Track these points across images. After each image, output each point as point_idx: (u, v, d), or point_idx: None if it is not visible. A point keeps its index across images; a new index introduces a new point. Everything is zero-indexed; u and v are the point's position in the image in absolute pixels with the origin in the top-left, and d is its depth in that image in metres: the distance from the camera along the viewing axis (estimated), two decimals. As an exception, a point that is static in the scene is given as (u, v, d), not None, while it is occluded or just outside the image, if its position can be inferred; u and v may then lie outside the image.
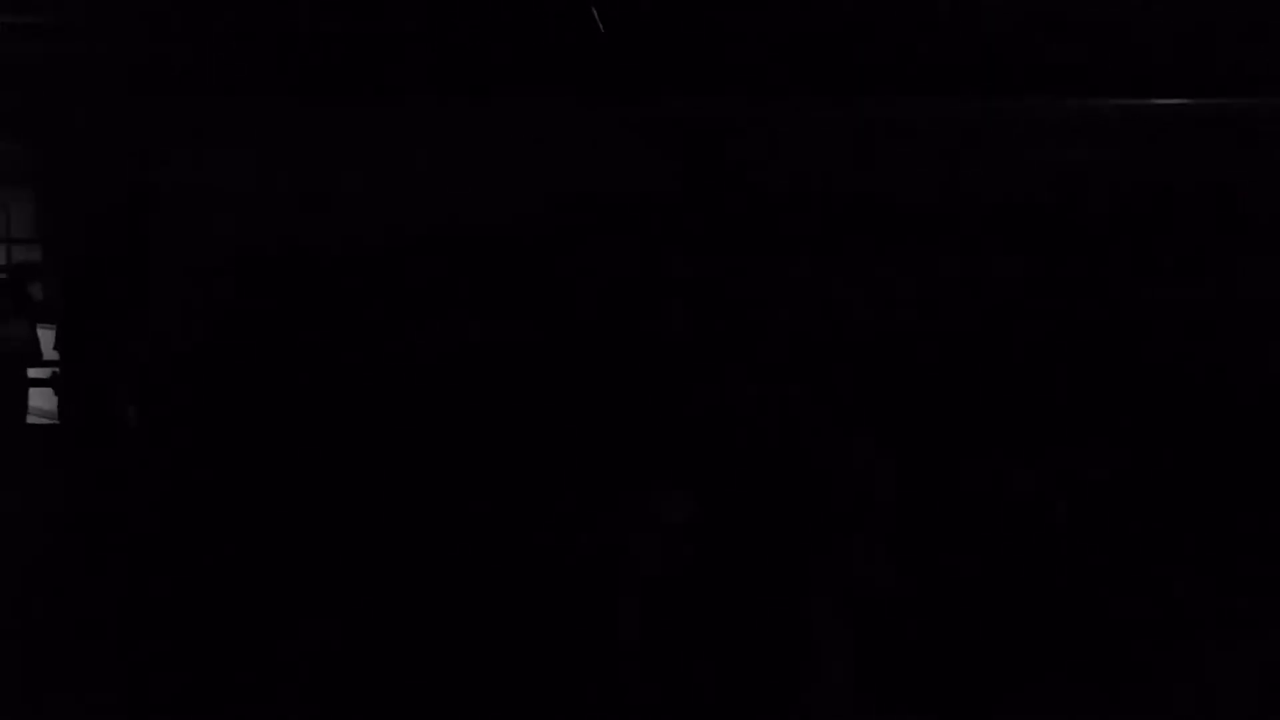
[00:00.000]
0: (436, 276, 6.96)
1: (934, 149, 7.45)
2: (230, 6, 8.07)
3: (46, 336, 9.48)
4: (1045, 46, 7.66)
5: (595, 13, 7.79)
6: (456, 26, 8.33)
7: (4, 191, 14.08)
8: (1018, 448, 6.86)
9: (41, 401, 9.76)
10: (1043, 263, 7.34)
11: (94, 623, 5.24)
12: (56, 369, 8.36)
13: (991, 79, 7.73)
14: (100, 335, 6.62)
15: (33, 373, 9.86)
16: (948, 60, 7.63)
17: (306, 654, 5.40)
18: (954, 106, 7.64)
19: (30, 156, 13.18)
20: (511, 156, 7.38)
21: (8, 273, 12.69)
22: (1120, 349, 7.21)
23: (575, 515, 6.06)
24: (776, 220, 7.14)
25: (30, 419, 10.07)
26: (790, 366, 6.62)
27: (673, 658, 5.40)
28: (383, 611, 5.71)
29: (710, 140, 7.57)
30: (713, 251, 7.00)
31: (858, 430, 6.38)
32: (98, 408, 6.81)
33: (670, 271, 6.82)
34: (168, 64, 9.50)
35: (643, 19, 8.08)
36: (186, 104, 8.48)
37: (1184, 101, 7.67)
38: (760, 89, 7.76)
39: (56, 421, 8.94)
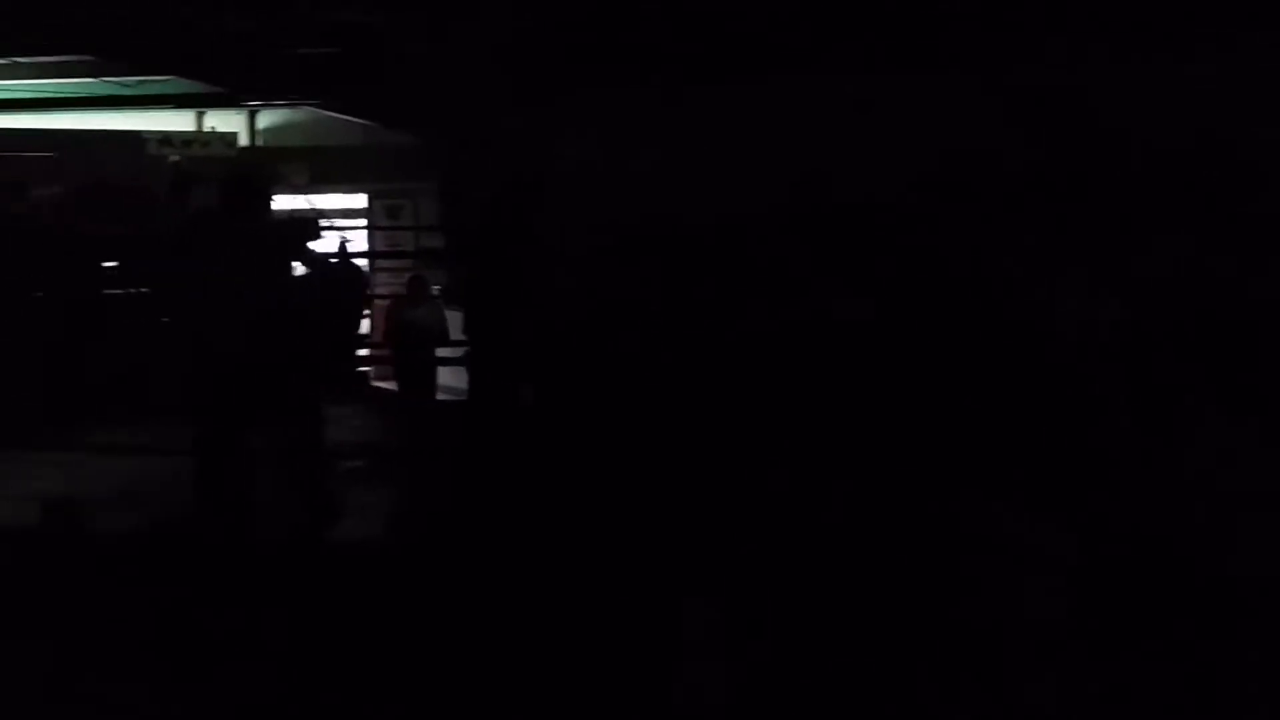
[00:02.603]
0: (809, 255, 6.92)
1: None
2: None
3: (454, 319, 10.10)
4: None
5: None
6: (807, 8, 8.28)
7: (412, 184, 15.18)
8: None
9: (451, 380, 10.44)
10: None
11: (509, 589, 5.52)
12: (465, 349, 8.90)
13: None
14: (501, 317, 6.97)
15: (441, 352, 10.57)
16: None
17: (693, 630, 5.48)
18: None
19: (434, 151, 14.13)
20: (876, 133, 7.26)
21: (415, 259, 13.65)
22: None
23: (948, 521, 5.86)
24: (1157, 195, 6.60)
25: (440, 396, 10.81)
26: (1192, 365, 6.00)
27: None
28: (757, 593, 5.71)
29: (1069, 110, 7.15)
30: (1085, 233, 6.56)
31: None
32: (501, 386, 7.18)
33: (1037, 256, 6.42)
34: (554, 57, 9.93)
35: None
36: (570, 95, 8.80)
37: None
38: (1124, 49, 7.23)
39: (464, 399, 9.53)
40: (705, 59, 8.99)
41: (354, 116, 13.08)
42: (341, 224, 13.99)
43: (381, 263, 13.51)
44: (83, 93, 12.17)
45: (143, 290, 8.89)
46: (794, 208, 6.95)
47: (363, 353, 11.99)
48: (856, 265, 6.74)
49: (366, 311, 12.74)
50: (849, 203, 7.16)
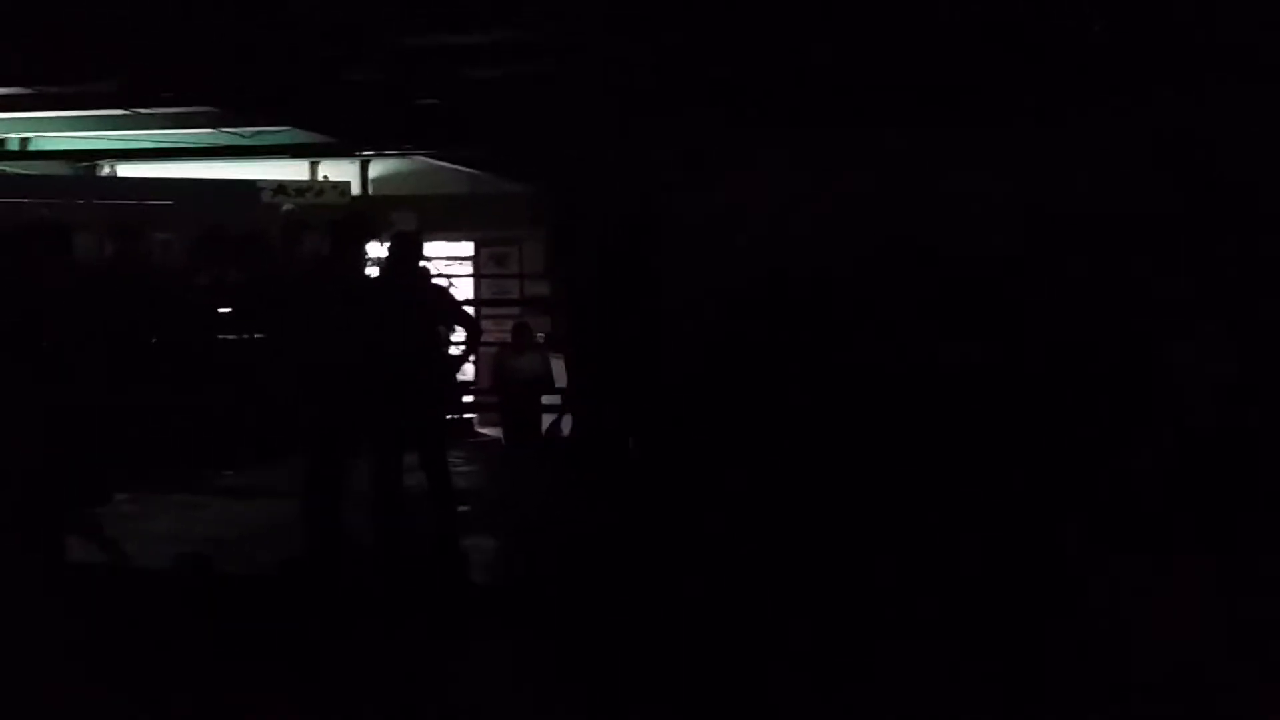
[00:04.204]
0: (944, 293, 6.83)
1: None
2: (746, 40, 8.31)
3: (558, 366, 10.16)
4: None
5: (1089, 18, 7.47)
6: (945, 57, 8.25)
7: (516, 230, 15.36)
8: None
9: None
10: None
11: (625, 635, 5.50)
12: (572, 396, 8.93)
13: None
14: (608, 365, 6.98)
15: (546, 399, 10.64)
16: None
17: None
18: None
19: (540, 197, 14.29)
20: (1016, 176, 7.19)
21: (519, 307, 13.78)
22: None
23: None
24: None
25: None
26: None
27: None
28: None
29: (1207, 147, 7.03)
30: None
31: None
32: (607, 433, 7.19)
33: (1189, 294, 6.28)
34: (663, 105, 10.01)
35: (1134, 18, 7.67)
36: (685, 139, 8.85)
37: None
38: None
39: (567, 445, 9.55)
40: (827, 102, 8.99)
41: (463, 166, 13.28)
42: (449, 271, 14.20)
43: (487, 310, 13.64)
44: (201, 143, 12.52)
45: (258, 335, 9.07)
46: (921, 246, 6.89)
47: (467, 399, 12.10)
48: (989, 308, 6.64)
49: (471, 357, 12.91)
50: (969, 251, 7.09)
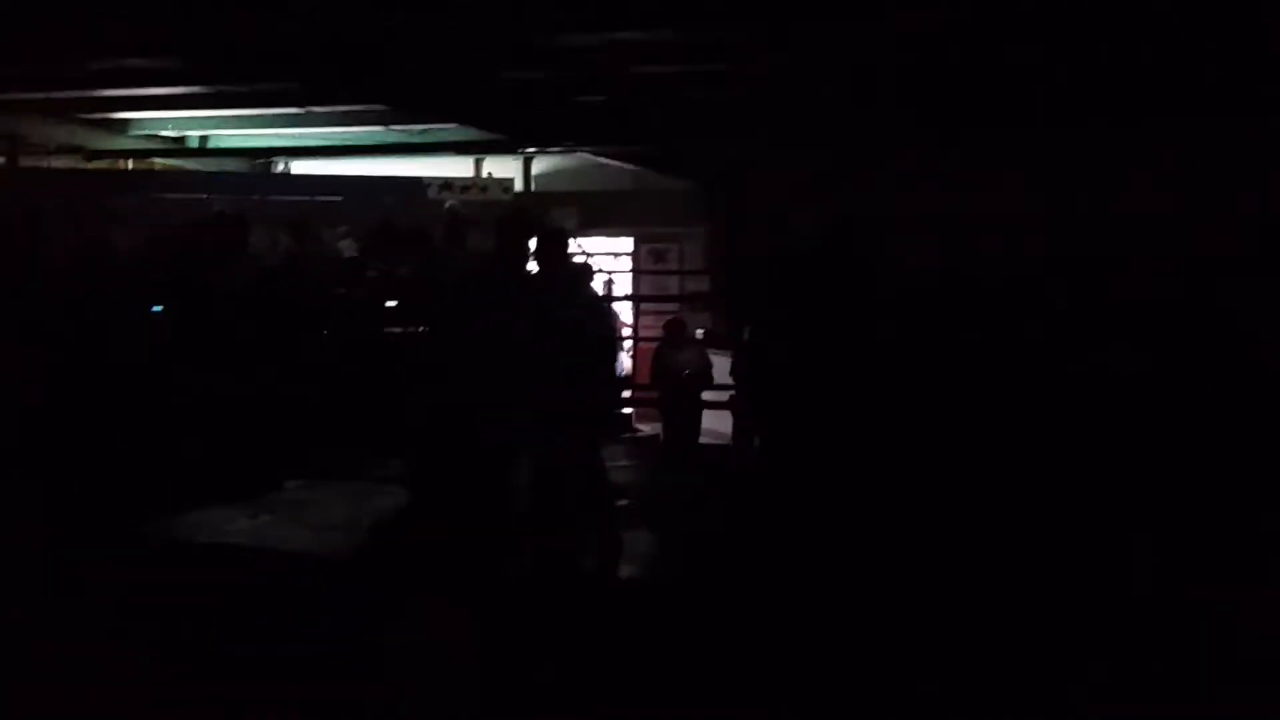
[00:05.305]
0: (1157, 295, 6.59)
1: None
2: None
3: (720, 363, 10.10)
4: None
5: None
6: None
7: (676, 227, 15.39)
8: None
9: (714, 423, 10.45)
10: None
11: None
12: (731, 393, 8.88)
13: None
14: (777, 362, 6.87)
15: (706, 396, 10.61)
16: None
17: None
18: None
19: (701, 195, 14.30)
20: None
21: (679, 303, 13.78)
22: None
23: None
24: None
25: (703, 439, 10.84)
26: None
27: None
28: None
29: None
30: None
31: None
32: (775, 431, 7.10)
33: None
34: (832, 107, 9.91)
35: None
36: (857, 144, 8.73)
37: None
38: None
39: (728, 443, 9.50)
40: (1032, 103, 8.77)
41: (625, 163, 13.34)
42: (608, 267, 14.28)
43: (646, 306, 13.69)
44: (371, 140, 12.82)
45: (421, 330, 9.23)
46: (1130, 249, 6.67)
47: (625, 394, 12.13)
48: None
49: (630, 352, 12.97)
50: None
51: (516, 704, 4.83)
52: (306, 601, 5.66)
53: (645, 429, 12.32)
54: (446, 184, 12.57)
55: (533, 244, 7.27)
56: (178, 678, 4.82)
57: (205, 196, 10.80)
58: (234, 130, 13.50)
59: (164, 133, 13.58)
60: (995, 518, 5.83)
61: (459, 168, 13.84)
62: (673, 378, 10.68)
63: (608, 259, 14.39)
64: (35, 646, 5.06)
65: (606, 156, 13.26)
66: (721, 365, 9.78)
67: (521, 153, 14.04)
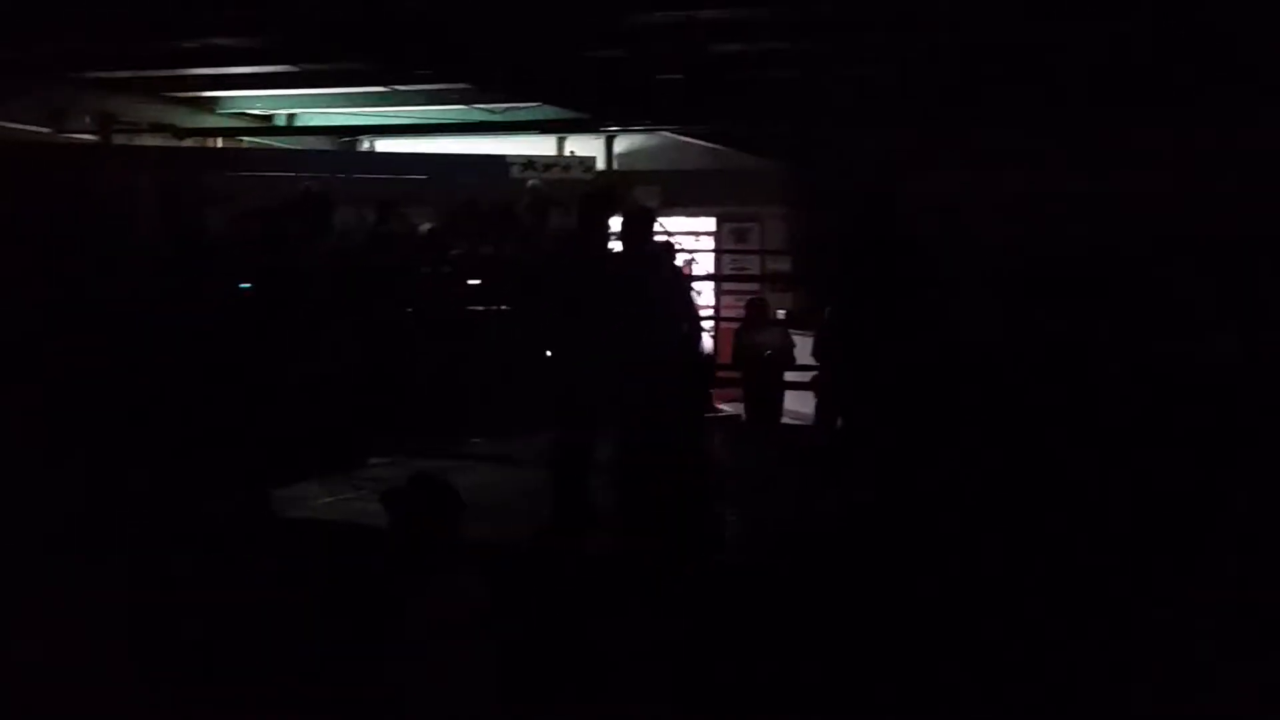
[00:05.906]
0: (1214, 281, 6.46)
1: None
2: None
3: (801, 343, 10.04)
4: None
5: None
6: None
7: (758, 206, 15.30)
8: None
9: (796, 404, 10.40)
10: None
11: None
12: (814, 373, 8.82)
13: None
14: (860, 343, 6.80)
15: (788, 376, 10.55)
16: None
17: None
18: None
19: (783, 175, 14.19)
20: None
21: (759, 282, 13.70)
22: None
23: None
24: None
25: (785, 419, 10.78)
26: None
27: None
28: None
29: None
30: None
31: None
32: (856, 413, 7.03)
33: None
34: (910, 87, 9.78)
35: None
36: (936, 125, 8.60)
37: None
38: None
39: (810, 423, 9.45)
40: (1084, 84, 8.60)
41: (707, 141, 13.28)
42: (690, 247, 14.23)
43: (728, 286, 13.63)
44: (455, 118, 12.87)
45: (505, 308, 9.27)
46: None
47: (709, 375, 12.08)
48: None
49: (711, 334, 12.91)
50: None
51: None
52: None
53: (727, 409, 12.27)
54: (529, 163, 12.59)
55: (614, 223, 7.27)
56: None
57: (292, 175, 10.90)
58: (320, 109, 13.62)
59: (252, 111, 13.74)
60: (1082, 500, 5.74)
61: (542, 146, 13.86)
62: (754, 358, 10.62)
63: (689, 238, 14.33)
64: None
65: (688, 135, 13.21)
66: (803, 345, 9.73)
67: (604, 131, 14.03)
